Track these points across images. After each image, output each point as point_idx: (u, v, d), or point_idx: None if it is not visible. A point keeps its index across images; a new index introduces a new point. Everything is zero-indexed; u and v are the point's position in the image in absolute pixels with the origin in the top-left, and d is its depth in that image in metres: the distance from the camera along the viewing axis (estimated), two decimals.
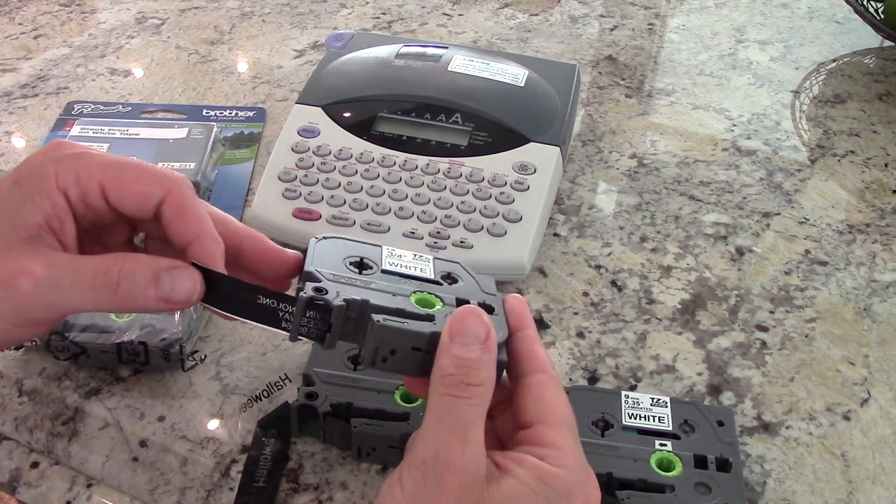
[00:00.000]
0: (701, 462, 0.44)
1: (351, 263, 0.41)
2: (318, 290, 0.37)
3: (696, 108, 0.77)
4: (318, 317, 0.37)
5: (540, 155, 0.60)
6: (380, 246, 0.43)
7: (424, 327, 0.37)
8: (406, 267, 0.42)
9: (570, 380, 0.51)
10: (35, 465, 0.49)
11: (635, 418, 0.46)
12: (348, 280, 0.39)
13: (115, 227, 0.42)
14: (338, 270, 0.40)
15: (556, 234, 0.62)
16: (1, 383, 0.50)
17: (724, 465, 0.44)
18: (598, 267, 0.60)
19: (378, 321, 0.36)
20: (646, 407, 0.47)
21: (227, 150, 0.69)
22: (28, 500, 0.49)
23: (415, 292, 0.40)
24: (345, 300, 0.37)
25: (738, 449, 0.45)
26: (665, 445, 0.44)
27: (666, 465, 0.44)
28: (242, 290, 0.38)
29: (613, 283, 0.58)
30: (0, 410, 0.49)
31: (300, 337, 0.38)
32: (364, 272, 0.40)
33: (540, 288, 0.58)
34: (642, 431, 0.45)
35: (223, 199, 0.64)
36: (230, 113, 0.73)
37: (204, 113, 0.73)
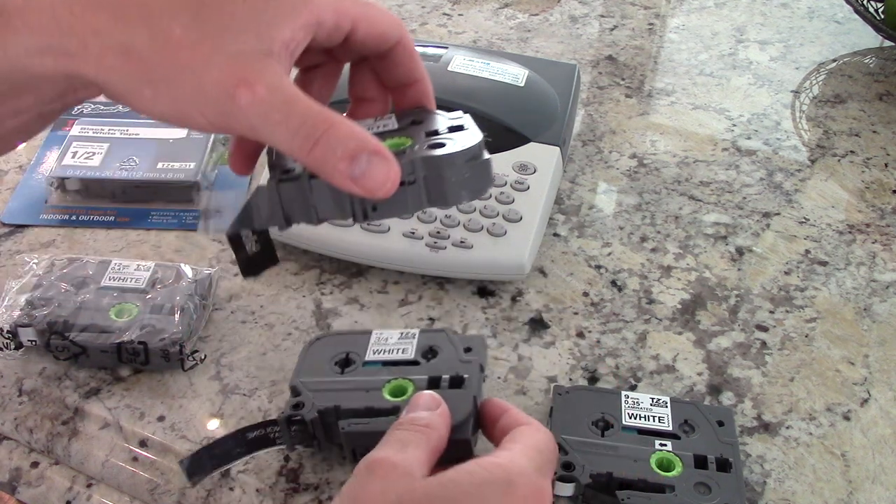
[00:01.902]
0: (701, 462, 0.44)
1: (336, 363, 0.46)
2: (295, 406, 0.43)
3: (696, 108, 0.77)
4: (301, 429, 0.43)
5: (540, 155, 0.60)
6: (369, 333, 0.48)
7: (388, 423, 0.40)
8: (389, 351, 0.46)
9: (570, 380, 0.51)
10: (35, 464, 0.49)
11: (635, 418, 0.46)
12: (328, 385, 0.45)
13: (322, 68, 0.42)
14: (322, 374, 0.45)
15: (556, 234, 0.62)
16: (1, 383, 0.50)
17: (724, 465, 0.44)
18: (598, 267, 0.60)
19: (343, 428, 0.42)
20: (646, 407, 0.47)
21: (227, 151, 0.69)
22: (28, 500, 0.49)
23: (389, 381, 0.44)
24: (318, 412, 0.43)
25: (738, 449, 0.45)
26: (665, 445, 0.44)
27: (666, 465, 0.44)
28: (232, 439, 0.43)
29: (613, 283, 0.58)
30: (0, 410, 0.49)
31: (296, 446, 0.44)
32: (347, 370, 0.46)
33: (540, 288, 0.58)
34: (642, 431, 0.45)
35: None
36: None
37: None
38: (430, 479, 0.34)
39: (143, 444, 0.47)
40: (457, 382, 0.43)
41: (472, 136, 0.38)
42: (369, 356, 0.46)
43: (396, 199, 0.36)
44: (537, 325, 0.55)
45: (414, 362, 0.45)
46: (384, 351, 0.46)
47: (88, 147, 0.65)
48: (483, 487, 0.33)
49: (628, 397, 0.47)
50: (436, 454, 0.37)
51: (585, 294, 0.57)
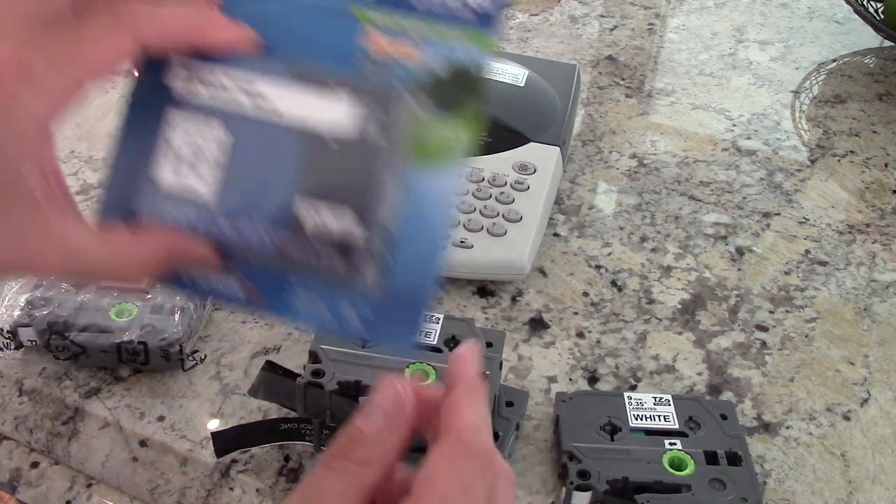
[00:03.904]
0: (711, 458, 0.44)
1: None
2: (314, 373, 0.43)
3: (696, 108, 0.77)
4: (332, 434, 0.43)
5: (540, 155, 0.60)
6: None
7: None
8: None
9: (571, 380, 0.51)
10: (35, 465, 0.49)
11: (641, 419, 0.46)
12: (348, 357, 0.44)
13: None
14: (341, 344, 0.45)
15: (556, 234, 0.62)
16: (1, 383, 0.50)
17: (734, 459, 0.44)
18: (598, 267, 0.60)
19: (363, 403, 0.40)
20: (649, 407, 0.46)
21: None
22: (28, 500, 0.49)
23: (411, 363, 0.44)
24: (338, 383, 0.42)
25: (744, 441, 0.45)
26: (675, 444, 0.44)
27: (678, 464, 0.43)
28: (266, 424, 0.44)
29: (613, 283, 0.58)
30: (0, 410, 0.49)
31: (322, 448, 0.45)
32: (368, 345, 0.45)
33: (540, 288, 0.58)
34: (650, 432, 0.45)
35: None
36: None
37: None
38: None
39: (143, 444, 0.47)
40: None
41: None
42: None
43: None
44: (537, 325, 0.55)
45: (436, 349, 0.45)
46: None
47: (197, 133, 0.32)
48: None
49: (631, 398, 0.47)
50: (372, 489, 0.29)
51: (585, 294, 0.57)
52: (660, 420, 0.46)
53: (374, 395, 0.31)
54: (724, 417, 0.46)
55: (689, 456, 0.44)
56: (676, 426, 0.45)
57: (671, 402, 0.47)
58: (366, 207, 0.31)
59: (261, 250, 0.31)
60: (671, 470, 0.43)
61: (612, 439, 0.45)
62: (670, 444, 0.44)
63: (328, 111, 0.31)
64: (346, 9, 0.32)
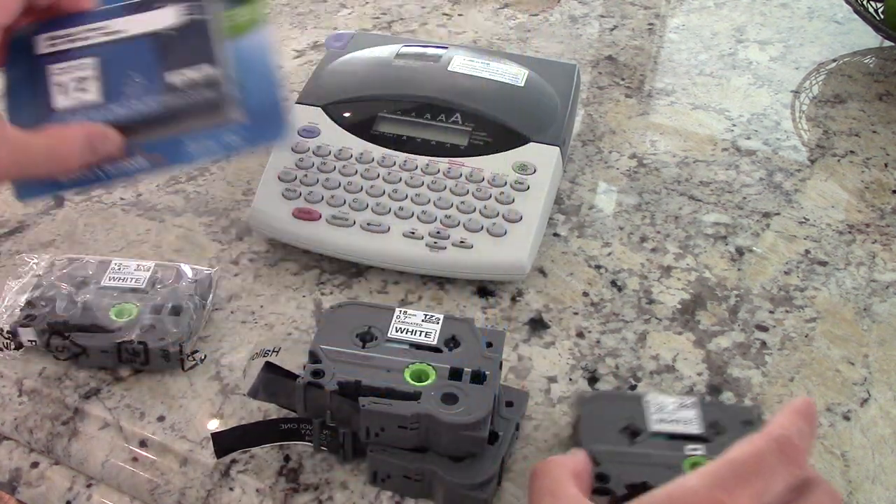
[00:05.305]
0: None
1: (357, 335, 0.46)
2: (315, 373, 0.43)
3: (695, 108, 0.77)
4: (332, 435, 0.44)
5: (540, 155, 0.60)
6: (393, 309, 0.47)
7: (408, 408, 0.41)
8: (412, 331, 0.46)
9: (571, 380, 0.51)
10: (35, 465, 0.49)
11: (663, 423, 0.44)
12: (348, 357, 0.45)
13: None
14: (342, 345, 0.45)
15: (556, 234, 0.62)
16: (1, 383, 0.50)
17: None
18: (598, 267, 0.60)
19: (364, 405, 0.42)
20: (672, 410, 0.45)
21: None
22: (28, 500, 0.49)
23: (411, 364, 0.44)
24: (338, 383, 0.43)
25: None
26: (696, 450, 0.43)
27: None
28: (265, 426, 0.45)
29: (613, 283, 0.58)
30: (0, 410, 0.49)
31: (322, 449, 0.46)
32: (368, 345, 0.46)
33: (540, 288, 0.58)
34: (671, 436, 0.44)
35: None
36: None
37: None
38: None
39: (143, 444, 0.47)
40: (477, 378, 0.43)
41: (485, 398, 0.42)
42: (392, 333, 0.46)
43: (399, 436, 0.42)
44: (537, 325, 0.55)
45: (436, 349, 0.45)
46: (406, 330, 0.46)
47: (73, 70, 0.45)
48: None
49: (652, 401, 0.45)
50: None
51: (585, 294, 0.57)
52: (682, 424, 0.44)
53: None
54: (748, 423, 0.44)
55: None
56: (699, 431, 0.44)
57: (695, 407, 0.45)
58: (213, 59, 0.44)
59: (151, 114, 0.43)
60: None
61: (633, 442, 0.44)
62: (692, 449, 0.43)
63: (163, 17, 0.45)
64: None
